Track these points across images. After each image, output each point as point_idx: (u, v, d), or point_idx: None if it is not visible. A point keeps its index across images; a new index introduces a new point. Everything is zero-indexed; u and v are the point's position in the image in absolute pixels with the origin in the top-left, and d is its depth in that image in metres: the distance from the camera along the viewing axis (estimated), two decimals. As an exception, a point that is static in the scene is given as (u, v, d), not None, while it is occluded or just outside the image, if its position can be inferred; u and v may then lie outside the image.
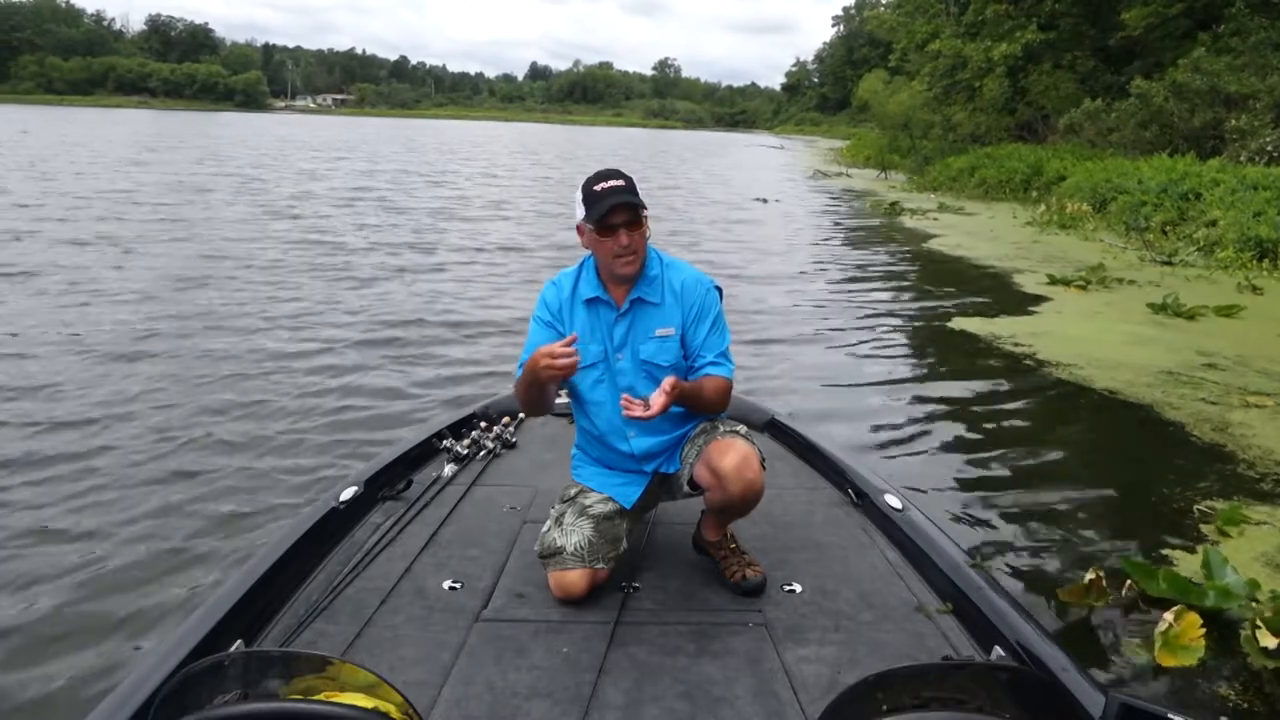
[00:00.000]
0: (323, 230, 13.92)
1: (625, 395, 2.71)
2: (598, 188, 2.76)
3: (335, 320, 8.35)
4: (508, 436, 4.20)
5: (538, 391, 2.77)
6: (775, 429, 4.35)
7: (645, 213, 2.80)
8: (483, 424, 4.27)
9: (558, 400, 3.04)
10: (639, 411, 2.64)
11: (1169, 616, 3.35)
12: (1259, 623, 3.36)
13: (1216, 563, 3.82)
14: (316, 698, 1.53)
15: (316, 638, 2.57)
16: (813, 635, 2.68)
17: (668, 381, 2.68)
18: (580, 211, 2.79)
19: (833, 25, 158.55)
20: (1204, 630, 3.32)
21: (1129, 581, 3.84)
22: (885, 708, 1.55)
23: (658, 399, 2.65)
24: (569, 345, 2.61)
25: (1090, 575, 3.71)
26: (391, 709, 1.52)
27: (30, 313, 8.21)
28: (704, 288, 2.93)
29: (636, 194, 2.77)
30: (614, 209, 2.72)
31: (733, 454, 2.79)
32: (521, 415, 4.33)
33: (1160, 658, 3.29)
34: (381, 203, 18.45)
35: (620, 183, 2.76)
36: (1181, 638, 3.30)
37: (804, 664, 2.52)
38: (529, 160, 39.09)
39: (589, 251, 2.89)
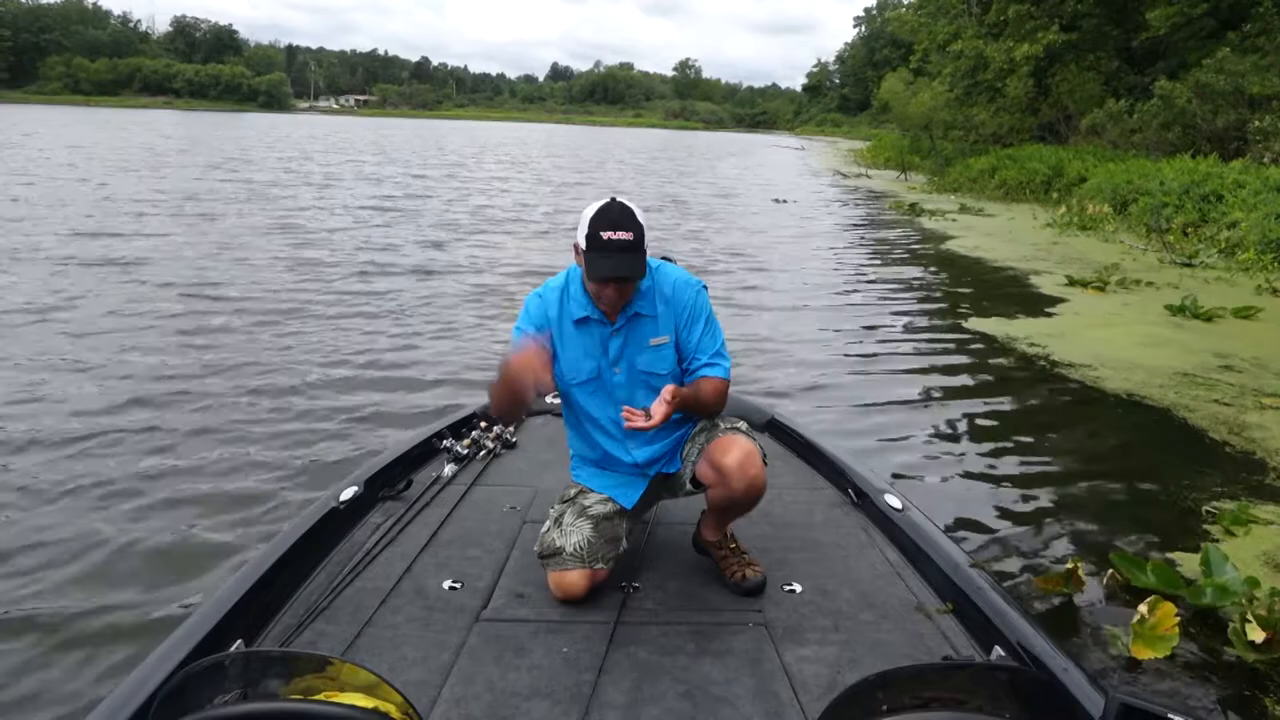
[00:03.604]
0: (345, 247, 13.30)
1: (626, 407, 2.71)
2: (604, 235, 2.60)
3: (348, 339, 8.07)
4: (508, 436, 4.21)
5: (509, 395, 2.53)
6: (775, 429, 4.35)
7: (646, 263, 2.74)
8: (483, 424, 4.27)
9: (552, 400, 3.06)
10: (640, 423, 2.64)
11: (1143, 608, 3.35)
12: (1249, 617, 3.36)
13: (1216, 560, 3.82)
14: (316, 698, 1.54)
15: (316, 638, 2.59)
16: (813, 635, 2.68)
17: (667, 390, 2.68)
18: (582, 235, 2.67)
19: (854, 26, 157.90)
20: (1178, 619, 3.32)
21: (1110, 572, 3.86)
22: (885, 708, 1.56)
23: (659, 409, 2.65)
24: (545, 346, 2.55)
25: (1069, 565, 3.75)
26: (391, 709, 1.53)
27: (31, 313, 8.31)
28: (693, 290, 2.90)
29: (641, 250, 2.65)
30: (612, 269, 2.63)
31: (736, 450, 2.80)
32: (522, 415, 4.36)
33: (1135, 649, 3.30)
34: (409, 214, 17.66)
35: (628, 236, 2.61)
36: (1157, 628, 3.30)
37: (804, 664, 2.53)
38: (553, 163, 38.71)
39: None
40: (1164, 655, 3.27)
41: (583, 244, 2.66)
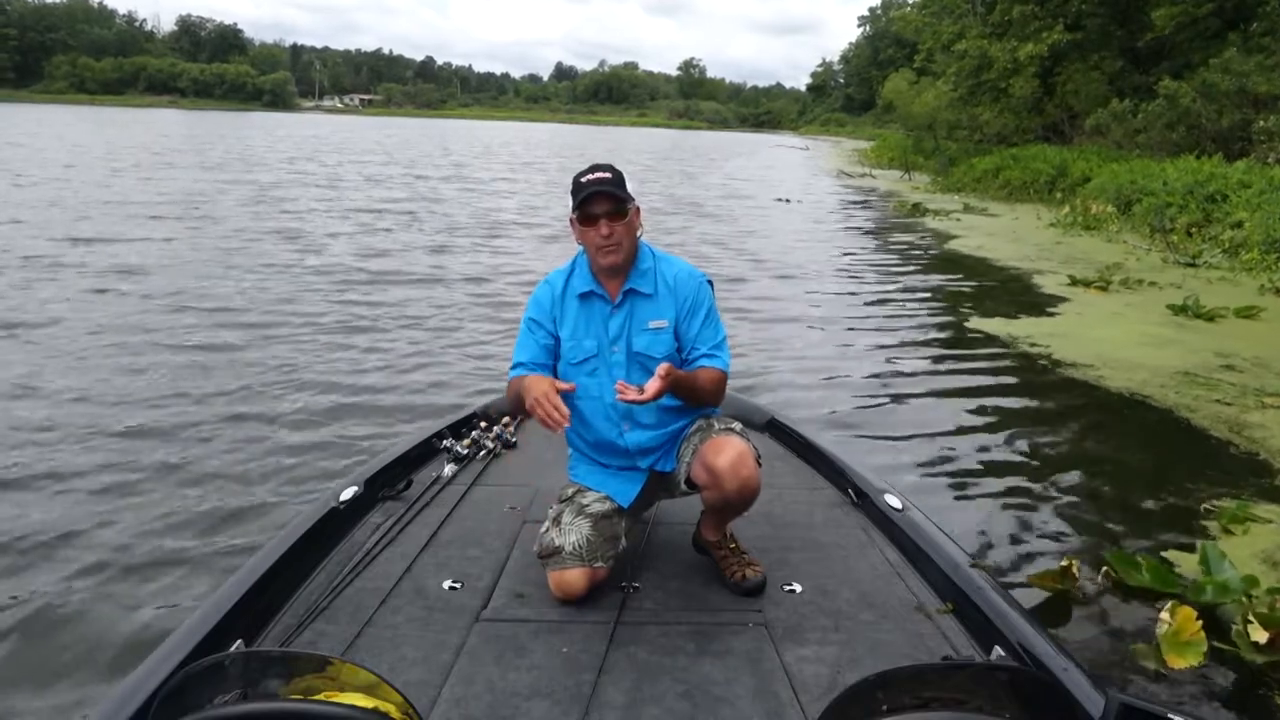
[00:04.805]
0: (348, 251, 13.00)
1: (620, 381, 2.73)
2: (583, 179, 2.82)
3: (351, 343, 7.98)
4: (508, 436, 4.22)
5: (523, 410, 2.77)
6: (775, 429, 4.34)
7: (632, 206, 2.84)
8: (483, 424, 4.29)
9: None
10: (634, 395, 2.65)
11: (1165, 615, 3.36)
12: (1251, 617, 3.36)
13: (1214, 558, 3.84)
14: (316, 698, 1.54)
15: (316, 638, 2.59)
16: (813, 635, 2.68)
17: (663, 366, 2.69)
18: (571, 203, 2.84)
19: (858, 25, 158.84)
20: (1201, 624, 3.32)
21: (1105, 569, 3.88)
22: (885, 708, 1.56)
23: (653, 384, 2.66)
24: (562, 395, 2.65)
25: (1064, 563, 3.78)
26: (391, 709, 1.52)
27: (33, 311, 8.36)
28: (696, 281, 2.95)
29: (622, 187, 2.81)
30: (594, 197, 2.77)
31: (728, 451, 2.81)
32: (521, 415, 4.36)
33: (1169, 659, 3.30)
34: (414, 218, 17.20)
35: (606, 175, 2.81)
36: (1182, 634, 3.31)
37: (804, 664, 2.53)
38: (560, 164, 38.23)
39: (582, 247, 2.93)
40: (1196, 663, 3.28)
41: (570, 202, 2.84)
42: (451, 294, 10.25)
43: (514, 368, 2.94)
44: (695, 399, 2.94)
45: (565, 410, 2.61)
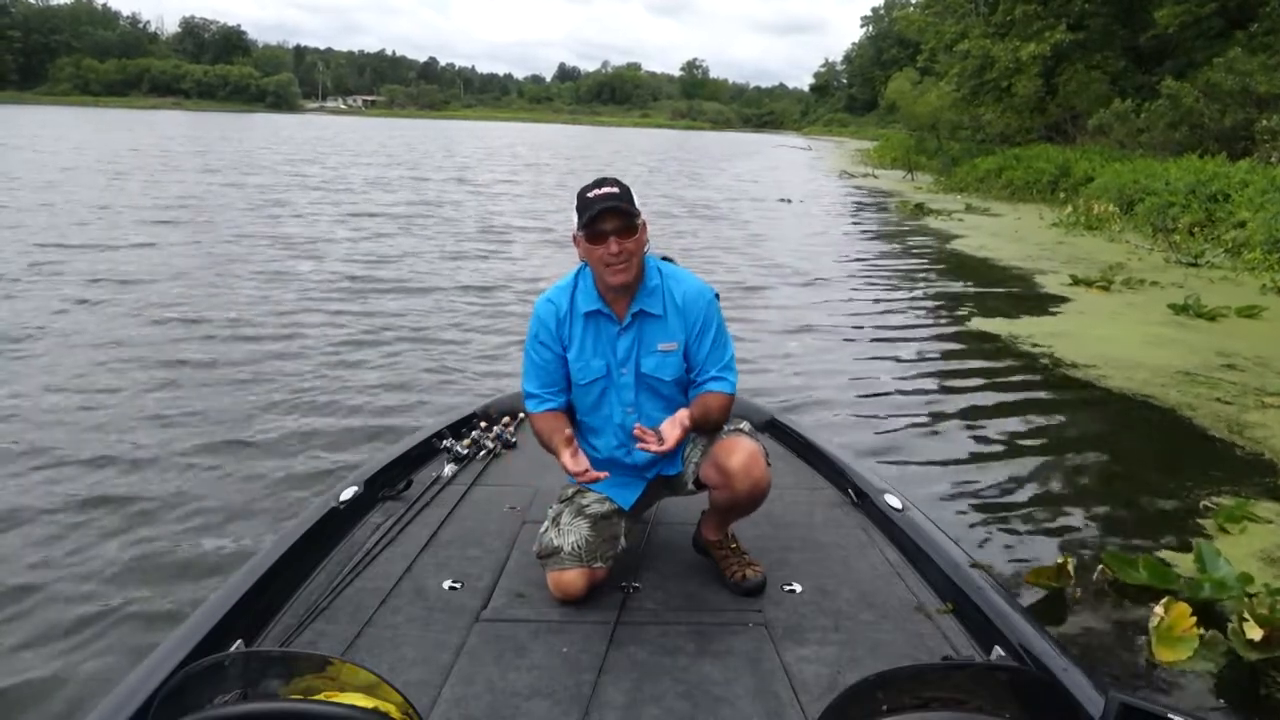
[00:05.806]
0: (351, 257, 12.78)
1: (639, 426, 2.70)
2: (590, 194, 2.70)
3: (353, 351, 7.84)
4: (508, 436, 4.22)
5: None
6: (775, 429, 4.34)
7: (640, 221, 2.75)
8: (483, 424, 4.29)
9: None
10: (655, 447, 2.64)
11: (1159, 610, 3.37)
12: (1247, 615, 3.37)
13: (1210, 556, 3.86)
14: (316, 698, 1.54)
15: (316, 638, 2.59)
16: (813, 635, 2.68)
17: (683, 416, 2.71)
18: (575, 219, 2.75)
19: (861, 25, 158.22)
20: (1195, 620, 3.33)
21: (1101, 568, 3.88)
22: (885, 708, 1.56)
23: (671, 434, 2.67)
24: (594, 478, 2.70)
25: (1060, 560, 3.79)
26: (391, 709, 1.53)
27: (33, 312, 8.36)
28: (705, 299, 2.88)
29: (631, 202, 2.71)
30: (603, 214, 2.67)
31: (740, 452, 2.80)
32: (521, 415, 4.33)
33: (1158, 653, 3.31)
34: (418, 223, 16.93)
35: (614, 190, 2.70)
36: (1174, 630, 3.32)
37: (804, 664, 2.53)
38: (567, 166, 37.94)
39: (583, 262, 2.86)
40: (1185, 658, 3.29)
41: (576, 218, 2.75)
42: (454, 298, 10.16)
43: (528, 398, 2.94)
44: (706, 429, 2.92)
45: (596, 475, 2.69)
